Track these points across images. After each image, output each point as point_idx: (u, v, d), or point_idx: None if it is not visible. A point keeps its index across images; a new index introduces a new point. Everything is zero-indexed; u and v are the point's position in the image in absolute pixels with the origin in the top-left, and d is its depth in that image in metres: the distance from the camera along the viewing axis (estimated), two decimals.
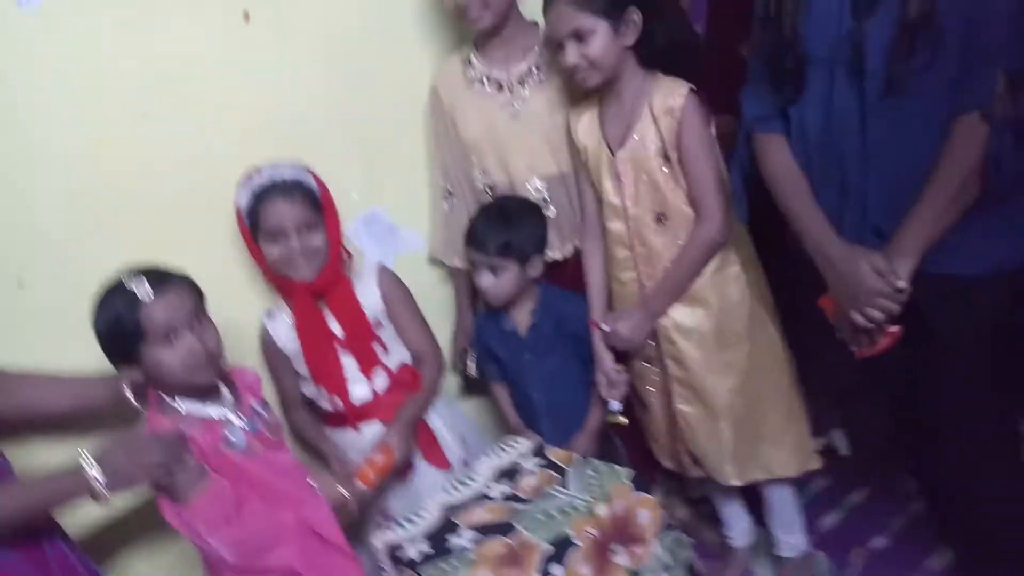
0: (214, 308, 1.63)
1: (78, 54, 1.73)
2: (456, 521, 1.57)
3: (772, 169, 1.59)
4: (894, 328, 1.49)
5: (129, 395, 1.53)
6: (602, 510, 1.52)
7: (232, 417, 1.60)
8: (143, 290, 1.47)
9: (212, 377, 1.58)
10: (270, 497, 1.58)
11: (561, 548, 1.44)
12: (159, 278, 1.51)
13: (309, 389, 1.92)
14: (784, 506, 1.95)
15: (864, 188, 1.48)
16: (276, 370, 1.94)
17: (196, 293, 1.57)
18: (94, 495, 1.38)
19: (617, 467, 1.62)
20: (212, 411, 1.59)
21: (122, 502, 1.81)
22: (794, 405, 1.85)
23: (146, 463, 1.43)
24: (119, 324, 1.48)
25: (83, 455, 1.40)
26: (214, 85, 1.86)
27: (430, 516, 1.61)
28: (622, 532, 1.50)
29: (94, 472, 1.38)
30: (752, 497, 1.99)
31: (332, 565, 1.59)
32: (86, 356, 1.61)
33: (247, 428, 1.61)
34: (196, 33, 1.83)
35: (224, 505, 1.50)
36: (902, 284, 1.43)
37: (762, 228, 1.77)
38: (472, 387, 2.23)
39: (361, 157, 2.05)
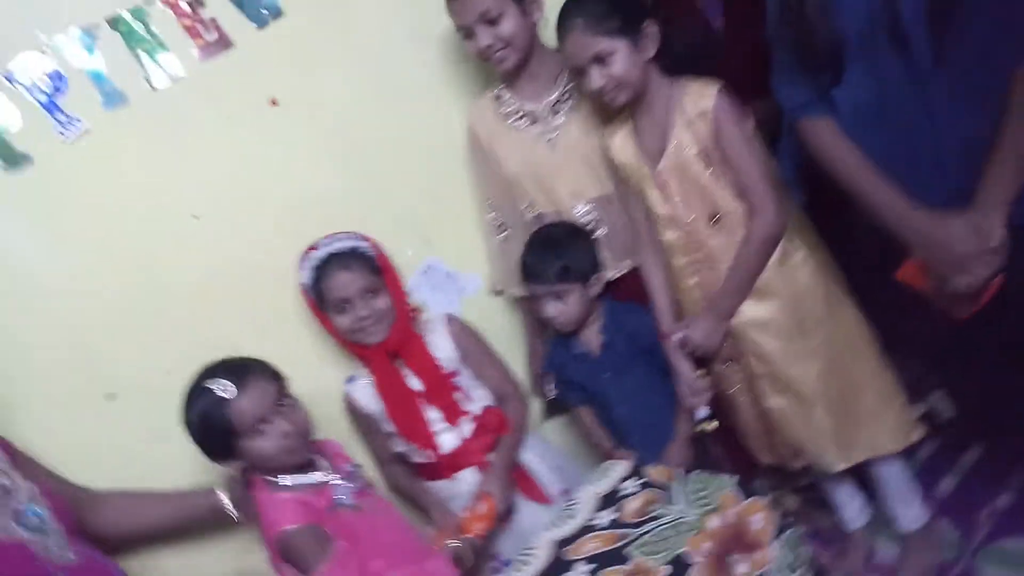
0: (294, 384, 1.68)
1: (123, 173, 1.82)
2: (568, 556, 1.57)
3: (828, 152, 1.55)
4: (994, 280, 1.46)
5: (227, 506, 1.56)
6: (713, 522, 1.50)
7: (336, 479, 1.65)
8: (226, 388, 1.52)
9: (307, 453, 1.63)
10: (387, 552, 1.61)
11: (679, 568, 1.43)
12: (238, 371, 1.56)
13: (400, 446, 1.94)
14: (896, 480, 1.90)
15: (938, 153, 1.45)
16: (365, 432, 1.99)
17: (276, 377, 1.61)
18: None
19: (720, 475, 1.60)
20: (319, 476, 1.63)
21: None
22: (886, 377, 1.80)
23: None
24: (210, 425, 1.53)
25: None
26: (254, 173, 1.92)
27: (541, 554, 1.61)
28: (738, 541, 1.48)
29: None
30: (863, 473, 1.94)
31: None
32: (180, 461, 1.70)
33: (352, 487, 1.66)
34: (228, 128, 1.89)
35: (350, 570, 1.53)
36: (997, 239, 1.40)
37: (819, 211, 1.74)
38: (554, 409, 2.22)
39: (408, 213, 2.08)
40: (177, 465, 1.77)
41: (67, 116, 1.75)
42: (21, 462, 1.49)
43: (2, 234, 1.74)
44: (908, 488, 1.91)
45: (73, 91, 1.76)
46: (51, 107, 1.74)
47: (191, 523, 1.72)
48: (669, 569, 1.42)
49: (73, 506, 1.51)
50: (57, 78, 1.75)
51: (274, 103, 1.93)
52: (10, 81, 1.71)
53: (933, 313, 1.55)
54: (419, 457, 1.91)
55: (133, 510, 1.66)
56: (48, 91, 1.74)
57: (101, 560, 1.51)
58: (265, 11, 1.90)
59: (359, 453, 1.98)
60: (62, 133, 1.75)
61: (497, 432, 1.91)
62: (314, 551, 1.52)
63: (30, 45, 1.71)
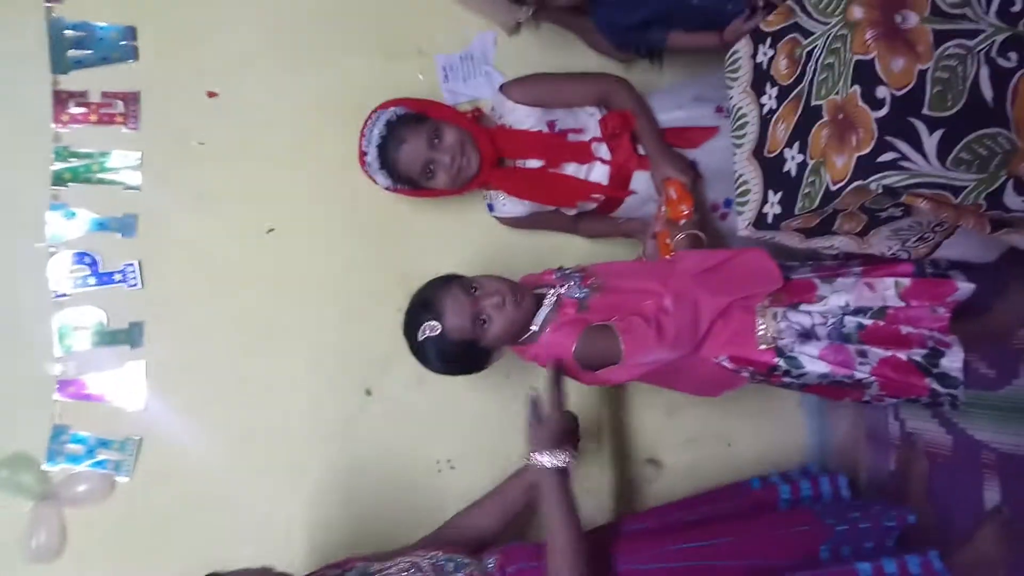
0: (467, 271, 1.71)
1: (197, 252, 1.89)
2: (771, 152, 1.53)
3: None
4: None
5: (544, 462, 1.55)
6: (856, 12, 1.38)
7: (560, 289, 1.70)
8: (432, 327, 1.58)
9: (529, 298, 1.66)
10: (646, 293, 1.65)
11: (866, 75, 1.32)
12: (427, 305, 1.60)
13: (571, 211, 1.95)
14: None
15: None
16: (539, 227, 2.02)
17: (454, 280, 1.63)
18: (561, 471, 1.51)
19: None
20: (549, 300, 1.68)
21: None
22: None
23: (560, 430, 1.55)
24: (453, 359, 1.62)
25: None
26: (287, 185, 1.95)
27: (751, 173, 1.58)
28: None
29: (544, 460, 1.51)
30: None
31: (743, 267, 1.63)
32: (430, 443, 1.94)
33: (574, 282, 1.70)
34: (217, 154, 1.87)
35: (639, 329, 1.58)
36: None
37: None
38: (655, 56, 2.08)
39: (387, 55, 2.01)
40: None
41: (120, 271, 1.80)
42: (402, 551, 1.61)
43: (183, 385, 1.87)
44: None
45: (100, 251, 1.80)
46: (104, 278, 1.79)
47: (517, 513, 1.76)
48: (858, 88, 1.35)
49: (461, 543, 1.66)
50: (80, 257, 1.78)
51: (212, 95, 1.86)
52: (63, 296, 1.77)
53: None
54: (591, 204, 1.92)
55: (472, 529, 1.72)
56: (88, 271, 1.78)
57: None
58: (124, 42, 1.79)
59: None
60: (132, 285, 1.80)
61: (627, 129, 1.84)
62: (605, 342, 1.59)
63: (42, 260, 1.76)
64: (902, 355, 1.55)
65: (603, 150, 1.85)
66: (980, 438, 1.80)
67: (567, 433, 1.57)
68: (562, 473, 1.51)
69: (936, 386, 1.55)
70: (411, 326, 1.62)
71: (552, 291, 1.70)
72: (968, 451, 1.82)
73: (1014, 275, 1.67)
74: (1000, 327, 1.71)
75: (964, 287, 1.54)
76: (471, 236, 1.99)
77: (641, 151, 1.85)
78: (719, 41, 1.80)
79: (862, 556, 1.70)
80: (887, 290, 1.56)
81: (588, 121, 1.88)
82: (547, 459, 1.51)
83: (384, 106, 1.82)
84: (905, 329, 1.56)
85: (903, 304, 1.56)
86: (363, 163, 1.82)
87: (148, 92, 1.83)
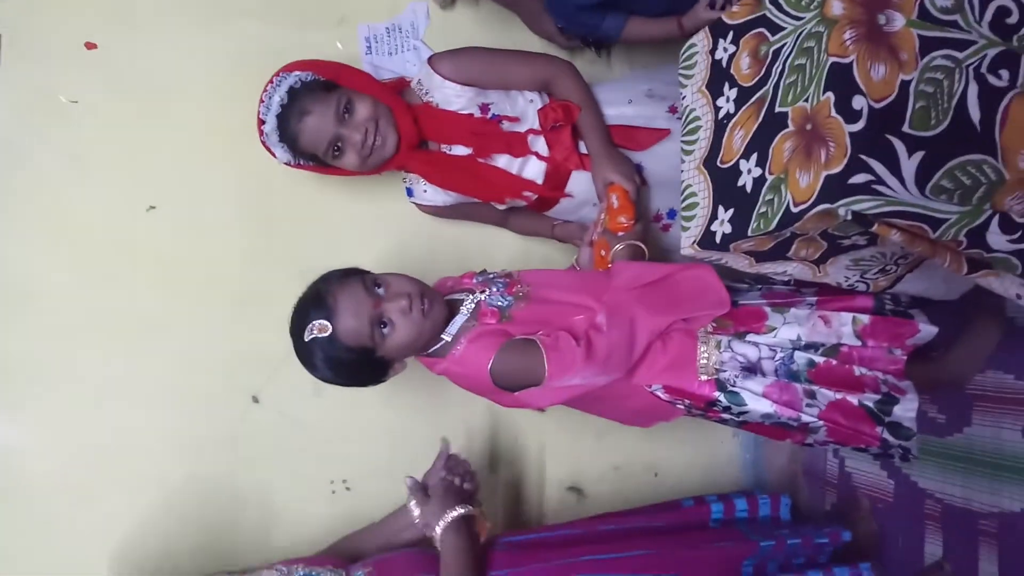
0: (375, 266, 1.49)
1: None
2: (724, 162, 1.35)
3: None
4: None
5: (417, 513, 1.48)
6: (837, 5, 1.20)
7: (480, 295, 1.50)
8: (322, 327, 1.36)
9: (442, 303, 1.47)
10: (577, 307, 1.46)
11: (841, 78, 1.15)
12: (318, 303, 1.38)
13: (500, 206, 1.76)
14: None
15: None
16: (463, 217, 1.81)
17: (353, 275, 1.42)
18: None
19: None
20: (466, 307, 1.48)
21: None
22: None
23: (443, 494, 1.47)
24: (344, 365, 1.40)
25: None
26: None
27: (700, 184, 1.40)
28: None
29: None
30: None
31: (687, 284, 1.45)
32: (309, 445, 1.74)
33: (497, 289, 1.51)
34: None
35: (567, 346, 1.39)
36: None
37: None
38: (601, 45, 1.89)
39: (306, 19, 1.77)
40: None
41: None
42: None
43: None
44: None
45: None
46: None
47: (403, 543, 1.64)
48: (832, 95, 1.16)
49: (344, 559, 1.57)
50: None
51: (90, 46, 1.60)
52: None
53: None
54: (523, 201, 1.71)
55: (366, 547, 1.62)
56: None
57: None
58: None
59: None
60: None
61: (569, 122, 1.63)
62: (527, 360, 1.39)
63: None
64: (853, 399, 1.40)
65: (540, 144, 1.64)
66: (925, 487, 1.67)
67: (454, 492, 1.47)
68: (456, 529, 1.41)
69: (888, 436, 1.40)
70: (298, 324, 1.40)
71: (471, 297, 1.49)
72: (911, 500, 1.69)
73: (974, 316, 1.53)
74: (956, 372, 1.57)
75: (926, 330, 1.39)
76: (385, 225, 1.79)
77: (583, 149, 1.65)
78: (679, 31, 1.59)
79: (789, 570, 1.63)
80: (843, 326, 1.40)
81: (527, 109, 1.66)
82: (440, 527, 1.42)
83: (289, 68, 1.58)
84: (858, 370, 1.40)
85: (859, 343, 1.40)
86: (261, 133, 1.57)
87: (11, 35, 1.56)
